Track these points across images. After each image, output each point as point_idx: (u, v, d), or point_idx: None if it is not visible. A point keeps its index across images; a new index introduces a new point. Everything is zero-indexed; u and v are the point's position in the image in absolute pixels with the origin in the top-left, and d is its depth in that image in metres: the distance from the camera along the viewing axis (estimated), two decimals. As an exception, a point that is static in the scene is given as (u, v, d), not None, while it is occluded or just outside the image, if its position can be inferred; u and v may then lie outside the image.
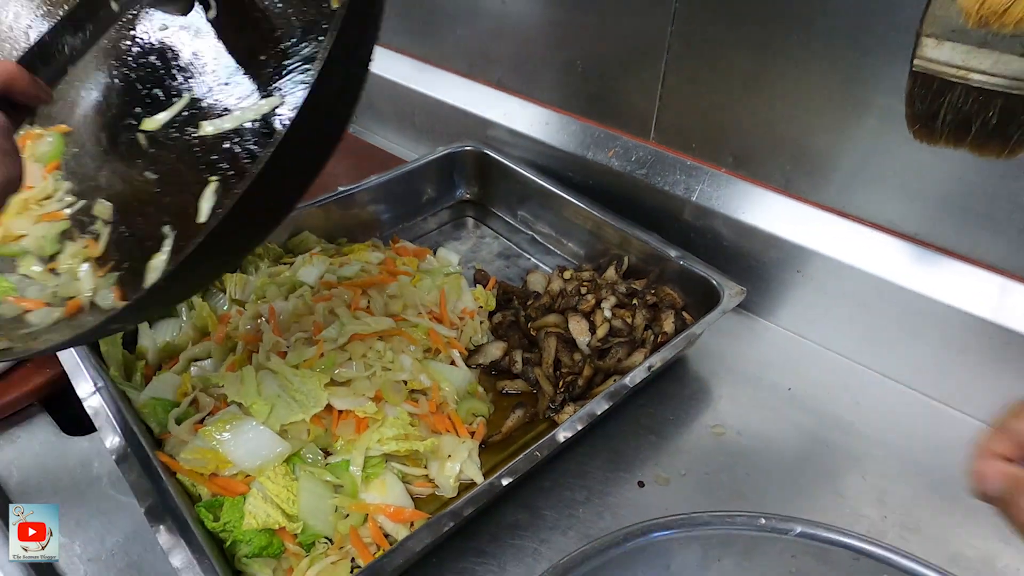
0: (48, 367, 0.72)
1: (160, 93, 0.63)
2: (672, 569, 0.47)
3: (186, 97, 0.62)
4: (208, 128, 0.59)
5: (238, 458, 0.58)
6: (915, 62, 0.50)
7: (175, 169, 0.60)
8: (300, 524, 0.55)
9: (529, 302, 0.81)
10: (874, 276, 0.74)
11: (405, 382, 0.68)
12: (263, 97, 0.59)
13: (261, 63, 0.61)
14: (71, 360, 0.64)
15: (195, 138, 0.60)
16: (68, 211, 0.62)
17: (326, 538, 0.57)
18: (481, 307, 0.83)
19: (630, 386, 0.65)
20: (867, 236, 0.75)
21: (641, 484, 0.67)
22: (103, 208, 0.60)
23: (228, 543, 0.55)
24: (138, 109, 0.62)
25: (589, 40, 0.88)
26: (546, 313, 0.77)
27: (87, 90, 0.65)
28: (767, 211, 0.80)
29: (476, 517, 0.62)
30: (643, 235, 0.84)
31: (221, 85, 0.62)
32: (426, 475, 0.64)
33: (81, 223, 0.61)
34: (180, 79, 0.63)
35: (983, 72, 0.46)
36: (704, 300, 0.78)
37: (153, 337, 0.73)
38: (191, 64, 0.63)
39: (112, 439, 0.58)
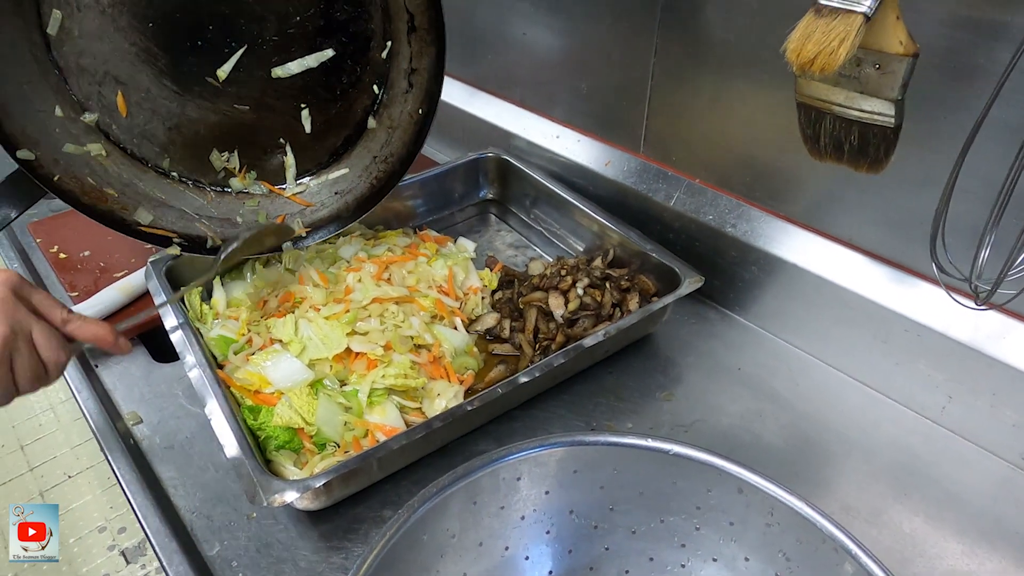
0: (144, 309, 0.94)
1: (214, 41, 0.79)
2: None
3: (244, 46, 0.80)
4: (292, 68, 0.81)
5: (275, 380, 0.77)
6: (795, 95, 0.63)
7: (263, 102, 0.81)
8: (315, 428, 0.73)
9: (524, 283, 0.97)
10: (817, 276, 0.86)
11: (412, 338, 0.85)
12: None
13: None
14: (162, 301, 0.85)
15: (274, 78, 0.81)
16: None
17: (334, 443, 0.75)
18: (485, 286, 0.99)
19: (585, 347, 0.80)
20: (817, 242, 0.87)
21: (592, 429, 0.81)
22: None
23: (262, 438, 0.73)
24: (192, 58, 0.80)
25: (592, 68, 1.04)
26: (533, 291, 0.93)
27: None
28: (730, 216, 0.93)
29: (456, 444, 0.79)
30: (627, 231, 0.99)
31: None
32: (420, 408, 0.81)
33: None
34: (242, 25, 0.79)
35: (840, 105, 0.59)
36: (670, 288, 0.92)
37: (224, 292, 0.93)
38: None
39: (189, 361, 0.78)
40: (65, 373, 0.88)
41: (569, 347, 0.80)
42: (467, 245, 1.09)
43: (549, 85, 1.13)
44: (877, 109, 0.57)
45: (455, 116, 1.30)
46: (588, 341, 0.80)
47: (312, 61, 0.83)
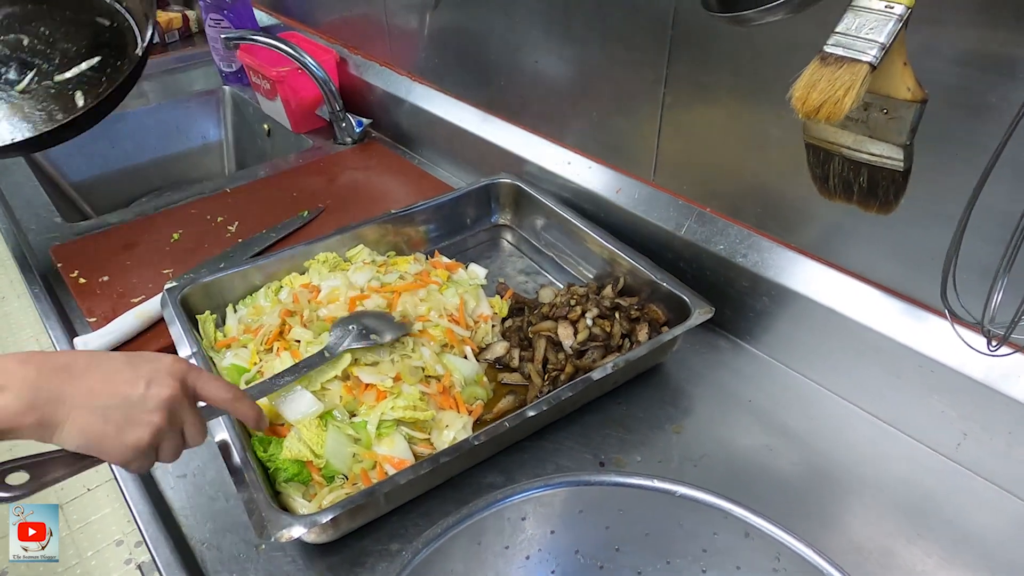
0: (162, 338, 0.96)
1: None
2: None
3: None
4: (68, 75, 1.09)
5: (287, 413, 0.78)
6: (803, 135, 0.63)
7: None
8: (324, 461, 0.74)
9: (534, 311, 0.98)
10: (828, 308, 0.85)
11: (422, 368, 0.86)
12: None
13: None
14: (177, 331, 0.86)
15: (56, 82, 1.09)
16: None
17: (343, 475, 0.75)
18: (495, 313, 1.00)
19: (594, 379, 0.80)
20: (829, 274, 0.86)
21: (601, 464, 0.81)
22: None
23: (272, 470, 0.74)
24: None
25: (603, 96, 1.04)
26: (543, 320, 0.93)
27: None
28: (741, 246, 0.93)
29: (463, 476, 0.79)
30: (638, 260, 0.99)
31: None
32: (428, 439, 0.81)
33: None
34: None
35: (848, 147, 0.59)
36: (682, 318, 0.92)
37: (238, 320, 0.95)
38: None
39: (200, 389, 0.79)
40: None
41: (577, 379, 0.80)
42: (478, 272, 1.09)
43: (561, 112, 1.13)
44: (886, 153, 0.57)
45: (468, 141, 1.31)
46: (596, 374, 0.80)
47: (84, 67, 1.12)
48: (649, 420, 0.87)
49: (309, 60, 1.42)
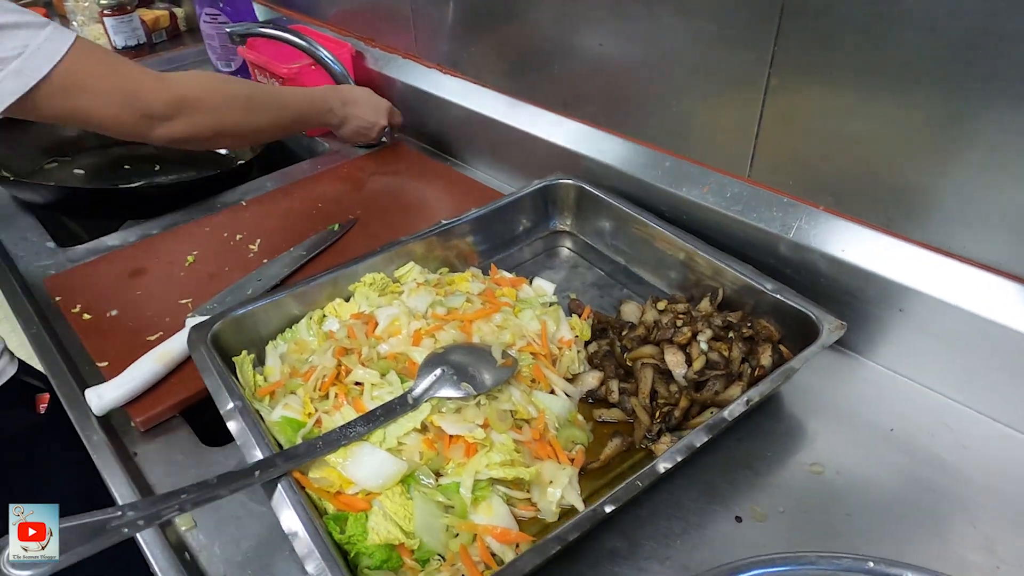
0: (190, 383, 0.81)
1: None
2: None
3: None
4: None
5: (359, 479, 0.64)
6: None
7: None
8: (417, 541, 0.60)
9: (624, 332, 0.84)
10: (979, 316, 0.73)
11: (512, 412, 0.72)
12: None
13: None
14: (214, 382, 0.72)
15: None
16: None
17: (439, 555, 0.61)
18: (577, 336, 0.86)
19: (729, 419, 0.67)
20: (972, 276, 0.74)
21: (738, 519, 0.68)
22: None
23: (352, 555, 0.60)
24: None
25: (686, 80, 0.91)
26: (641, 344, 0.80)
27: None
28: (868, 248, 0.80)
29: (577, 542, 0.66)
30: (738, 267, 0.85)
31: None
32: (528, 498, 0.67)
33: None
34: None
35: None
36: (800, 334, 0.78)
37: (279, 359, 0.80)
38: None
39: (251, 453, 0.65)
40: (96, 462, 0.75)
41: (710, 420, 0.66)
42: (545, 287, 0.95)
43: (629, 102, 1.00)
44: None
45: (511, 138, 1.17)
46: (732, 411, 0.67)
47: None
48: (778, 459, 0.74)
49: (325, 53, 1.27)
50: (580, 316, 0.90)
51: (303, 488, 0.63)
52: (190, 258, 1.04)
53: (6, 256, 1.09)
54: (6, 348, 1.05)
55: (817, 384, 0.82)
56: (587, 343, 0.86)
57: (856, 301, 0.82)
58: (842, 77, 0.75)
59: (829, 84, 0.76)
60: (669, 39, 0.89)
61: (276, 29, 1.25)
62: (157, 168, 1.41)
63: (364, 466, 0.64)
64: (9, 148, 1.33)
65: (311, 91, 1.19)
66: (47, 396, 1.09)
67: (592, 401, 0.80)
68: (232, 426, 0.68)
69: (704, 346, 0.76)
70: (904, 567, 0.47)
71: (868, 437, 0.76)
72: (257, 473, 0.61)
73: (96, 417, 0.78)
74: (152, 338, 0.89)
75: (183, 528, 0.69)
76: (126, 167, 1.43)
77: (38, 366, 0.93)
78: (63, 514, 0.52)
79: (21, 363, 1.08)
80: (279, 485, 0.61)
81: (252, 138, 1.16)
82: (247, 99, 1.02)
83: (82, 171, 1.42)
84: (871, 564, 0.47)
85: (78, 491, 0.98)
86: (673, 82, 0.92)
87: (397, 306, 0.82)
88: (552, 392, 0.77)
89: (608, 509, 0.59)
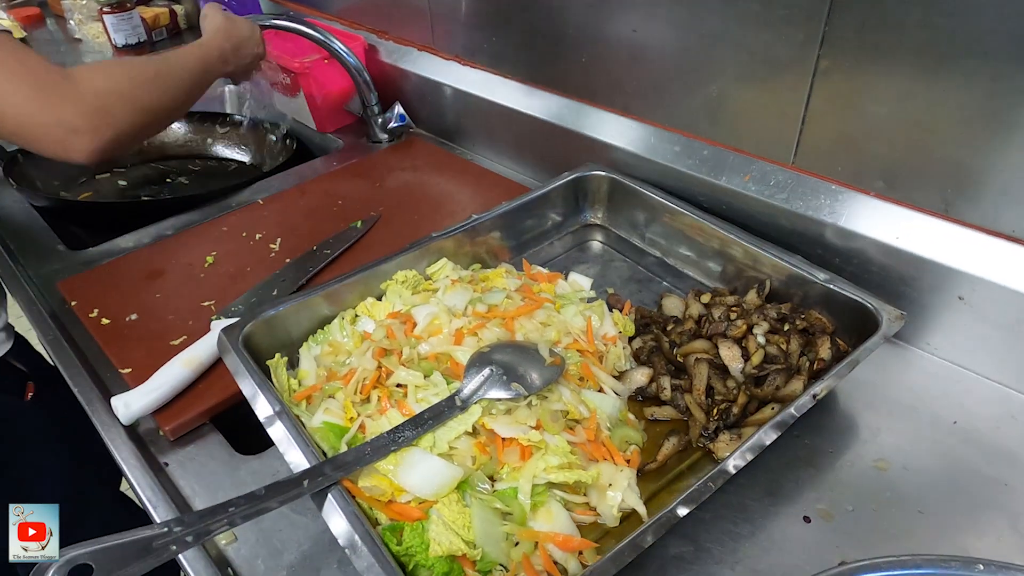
0: (220, 388, 0.77)
1: None
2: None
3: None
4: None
5: (412, 486, 0.60)
6: None
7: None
8: (479, 551, 0.57)
9: (670, 327, 0.81)
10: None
11: (564, 411, 0.69)
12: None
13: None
14: (250, 387, 0.68)
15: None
16: None
17: (501, 565, 0.58)
18: (621, 332, 0.83)
19: (797, 415, 0.64)
20: (1038, 262, 0.71)
21: (807, 519, 0.65)
22: None
23: (410, 567, 0.57)
24: None
25: (726, 65, 0.87)
26: (692, 339, 0.76)
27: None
28: (924, 234, 0.77)
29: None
30: (786, 257, 0.83)
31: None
32: (587, 503, 0.64)
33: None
34: None
35: None
36: (855, 325, 0.76)
37: (314, 361, 0.76)
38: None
39: (295, 461, 0.61)
40: (127, 475, 0.72)
41: (778, 417, 0.63)
42: (582, 282, 0.92)
43: (664, 88, 0.96)
44: None
45: (537, 129, 1.13)
46: (799, 405, 0.64)
47: None
48: (840, 455, 0.71)
49: (340, 46, 1.23)
50: (620, 311, 0.87)
51: (353, 497, 0.60)
52: (209, 259, 1.00)
53: (14, 259, 1.05)
54: (7, 324, 1.03)
55: (871, 377, 0.79)
56: (631, 339, 0.83)
57: (910, 290, 0.79)
58: (902, 56, 0.72)
59: (886, 64, 0.73)
60: (710, 21, 0.86)
61: (291, 21, 1.21)
62: (186, 180, 1.40)
63: (417, 473, 0.60)
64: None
65: (200, 45, 1.03)
66: (32, 385, 1.08)
67: (641, 399, 0.76)
68: (274, 433, 0.64)
69: (761, 339, 0.73)
70: (1017, 569, 0.44)
71: (931, 431, 0.73)
72: (306, 483, 0.57)
73: (123, 427, 0.75)
74: (176, 342, 0.85)
75: (223, 543, 0.65)
76: (168, 180, 1.41)
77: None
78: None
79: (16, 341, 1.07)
80: (329, 495, 0.58)
81: (167, 120, 1.00)
82: (155, 76, 0.92)
83: (124, 182, 1.39)
84: (981, 567, 0.44)
85: (63, 482, 0.96)
86: (712, 67, 0.89)
87: (435, 304, 0.79)
88: (601, 391, 0.74)
89: (682, 512, 0.56)
